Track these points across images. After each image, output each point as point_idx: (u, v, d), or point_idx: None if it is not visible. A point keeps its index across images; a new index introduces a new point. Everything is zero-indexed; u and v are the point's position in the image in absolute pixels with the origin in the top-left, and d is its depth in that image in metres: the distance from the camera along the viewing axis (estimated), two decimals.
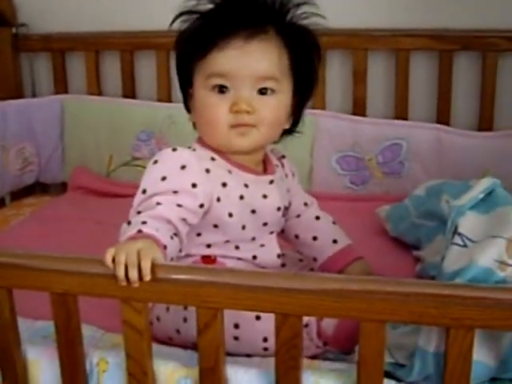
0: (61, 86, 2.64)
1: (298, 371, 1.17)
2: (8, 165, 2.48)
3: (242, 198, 1.46)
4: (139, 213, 1.33)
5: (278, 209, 1.54)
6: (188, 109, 1.54)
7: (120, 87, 2.60)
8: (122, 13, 2.55)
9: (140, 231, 1.26)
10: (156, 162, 1.42)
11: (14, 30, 2.59)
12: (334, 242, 1.65)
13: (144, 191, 1.39)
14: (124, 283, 1.15)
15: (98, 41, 2.58)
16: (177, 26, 1.47)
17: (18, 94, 2.64)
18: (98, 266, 1.19)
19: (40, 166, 2.60)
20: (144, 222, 1.28)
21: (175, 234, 1.32)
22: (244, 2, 1.45)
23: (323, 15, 1.46)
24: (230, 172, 1.46)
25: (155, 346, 1.29)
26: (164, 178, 1.38)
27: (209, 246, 1.47)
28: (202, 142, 1.50)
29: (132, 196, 2.34)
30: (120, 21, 2.55)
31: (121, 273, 1.15)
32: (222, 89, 1.42)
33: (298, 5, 1.47)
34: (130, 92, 2.59)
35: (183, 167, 1.40)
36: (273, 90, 1.43)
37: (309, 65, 1.50)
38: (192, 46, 1.45)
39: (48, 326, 1.40)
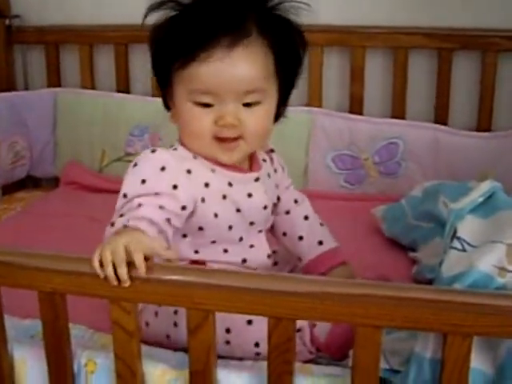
0: (54, 79, 2.62)
1: (290, 375, 1.15)
2: None
3: (224, 197, 1.43)
4: (121, 216, 1.29)
5: (265, 207, 1.50)
6: (167, 106, 1.49)
7: (114, 81, 2.58)
8: (116, 6, 2.53)
9: (125, 226, 1.23)
10: (135, 164, 1.38)
11: (7, 22, 2.57)
12: (320, 243, 1.63)
13: (125, 195, 1.35)
14: (115, 283, 1.12)
15: (93, 34, 2.56)
16: (151, 19, 1.40)
17: (11, 87, 2.61)
18: (86, 265, 1.16)
19: (32, 160, 2.58)
20: (127, 221, 1.25)
21: (160, 233, 1.28)
22: None
23: (309, 4, 1.41)
24: (213, 171, 1.43)
25: (144, 348, 1.28)
26: (144, 181, 1.34)
27: (196, 251, 1.44)
28: (182, 141, 1.46)
29: None
30: (115, 14, 2.52)
31: (110, 273, 1.12)
32: (206, 103, 1.37)
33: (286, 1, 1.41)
34: (124, 86, 2.57)
35: (163, 168, 1.36)
36: (258, 102, 1.39)
37: (295, 62, 1.45)
38: (170, 52, 1.39)
39: (35, 325, 1.38)
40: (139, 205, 1.30)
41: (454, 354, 1.07)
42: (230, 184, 1.44)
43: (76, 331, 1.37)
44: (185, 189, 1.36)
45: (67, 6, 2.59)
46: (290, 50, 1.43)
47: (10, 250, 1.25)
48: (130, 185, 1.36)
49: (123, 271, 1.11)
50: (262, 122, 1.41)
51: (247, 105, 1.38)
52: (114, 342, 1.20)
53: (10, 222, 2.22)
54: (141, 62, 2.55)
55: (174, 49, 1.37)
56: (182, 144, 1.45)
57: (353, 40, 2.35)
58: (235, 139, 1.39)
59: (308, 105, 2.36)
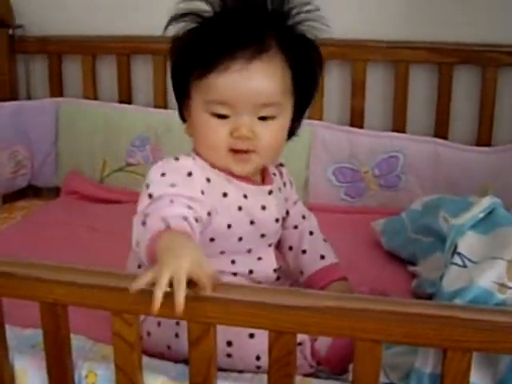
0: (56, 89, 2.62)
1: None
2: (0, 167, 2.46)
3: (240, 208, 1.44)
4: (147, 215, 1.26)
5: (277, 220, 1.52)
6: (183, 117, 1.51)
7: (116, 92, 2.59)
8: (119, 17, 2.54)
9: (168, 227, 1.19)
10: (164, 174, 1.36)
11: (10, 32, 2.57)
12: (322, 257, 1.63)
13: (150, 195, 1.32)
14: (157, 305, 1.05)
15: (95, 44, 2.57)
16: (172, 30, 1.43)
17: (13, 96, 2.62)
18: (89, 276, 1.17)
19: (33, 170, 2.58)
20: (164, 219, 1.21)
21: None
22: (244, 11, 1.40)
23: (326, 22, 1.42)
24: (229, 182, 1.44)
25: (145, 359, 1.27)
26: (173, 185, 1.33)
27: None
28: (197, 152, 1.47)
29: (125, 202, 2.36)
30: (117, 25, 2.53)
31: (159, 294, 1.05)
32: (222, 115, 1.38)
33: (299, 13, 1.42)
34: (125, 97, 2.57)
35: (189, 174, 1.37)
36: (273, 117, 1.40)
37: (311, 79, 1.47)
38: (189, 62, 1.41)
39: (36, 335, 1.38)
40: (171, 201, 1.28)
41: (453, 370, 1.07)
42: (245, 196, 1.45)
43: (76, 342, 1.36)
44: (207, 196, 1.37)
45: (70, 17, 2.59)
46: (307, 67, 1.44)
47: (12, 261, 1.25)
48: (157, 188, 1.33)
49: (182, 296, 1.05)
50: (275, 137, 1.42)
51: (262, 118, 1.39)
52: (115, 353, 1.20)
53: (11, 231, 2.22)
54: (143, 73, 2.56)
55: (193, 59, 1.39)
56: (198, 154, 1.45)
57: (354, 53, 2.36)
58: (248, 152, 1.40)
59: (309, 118, 2.36)
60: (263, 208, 1.48)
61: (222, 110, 1.38)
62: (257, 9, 1.40)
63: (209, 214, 1.37)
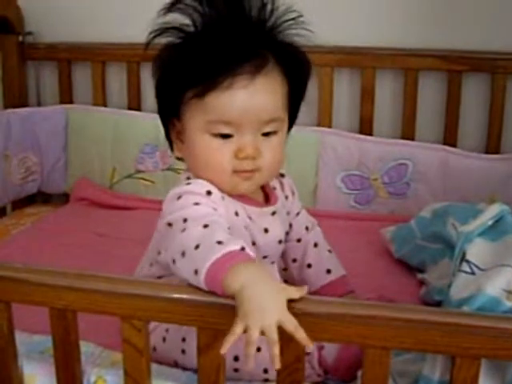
0: (66, 95, 2.63)
1: None
2: (10, 174, 2.47)
3: (246, 228, 1.41)
4: (183, 231, 1.20)
5: (280, 242, 1.49)
6: (169, 139, 1.44)
7: (125, 99, 2.60)
8: (129, 24, 2.54)
9: (242, 252, 1.14)
10: (179, 197, 1.30)
11: (20, 38, 2.58)
12: (328, 271, 1.61)
13: (185, 220, 1.23)
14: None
15: (105, 51, 2.57)
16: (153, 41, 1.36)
17: (23, 103, 2.63)
18: (98, 282, 1.17)
19: (42, 176, 2.59)
20: (220, 242, 1.14)
21: None
22: (231, 24, 1.32)
23: (310, 29, 1.35)
24: (235, 201, 1.40)
25: (154, 366, 1.27)
26: (197, 204, 1.27)
27: None
28: (196, 175, 1.40)
29: (134, 209, 2.37)
30: (127, 32, 2.53)
31: (252, 352, 1.03)
32: (225, 134, 1.32)
33: (285, 21, 1.36)
34: (135, 104, 2.58)
35: (209, 193, 1.32)
36: (275, 132, 1.36)
37: (304, 89, 1.43)
38: (183, 80, 1.33)
39: (45, 341, 1.38)
40: (212, 221, 1.21)
41: (461, 377, 1.07)
42: (250, 218, 1.42)
43: (85, 348, 1.36)
44: (225, 214, 1.33)
45: (80, 24, 2.60)
46: (302, 78, 1.41)
47: (22, 267, 1.25)
48: (180, 211, 1.26)
49: (277, 352, 1.02)
50: (278, 153, 1.38)
51: (265, 134, 1.34)
52: (124, 359, 1.20)
53: (20, 238, 2.22)
54: (152, 80, 2.57)
55: (187, 77, 1.32)
56: (198, 178, 1.37)
57: (363, 61, 2.36)
58: (251, 171, 1.35)
59: (318, 125, 2.37)
60: (266, 231, 1.44)
61: (226, 130, 1.31)
62: (243, 21, 1.34)
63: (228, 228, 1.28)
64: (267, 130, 1.34)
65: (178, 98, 1.35)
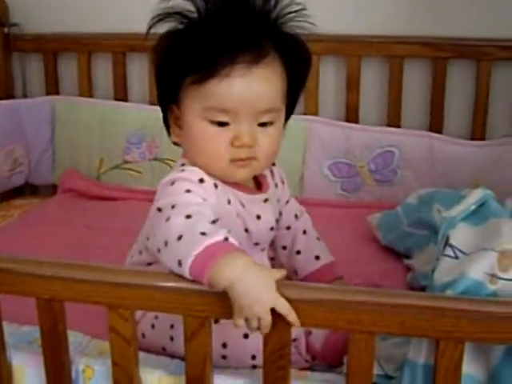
0: (52, 87, 2.63)
1: (286, 381, 1.16)
2: None
3: (238, 215, 1.41)
4: (167, 220, 1.20)
5: (271, 228, 1.50)
6: (167, 124, 1.44)
7: (112, 90, 2.59)
8: (115, 15, 2.54)
9: (225, 242, 1.15)
10: (172, 183, 1.31)
11: (5, 30, 2.58)
12: (317, 258, 1.62)
13: (174, 206, 1.24)
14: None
15: (91, 42, 2.57)
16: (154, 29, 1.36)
17: (9, 95, 2.62)
18: (85, 272, 1.17)
19: (30, 168, 2.59)
20: (203, 233, 1.15)
21: None
22: (234, 13, 1.33)
23: (312, 22, 1.37)
24: (227, 189, 1.40)
25: (142, 355, 1.28)
26: (189, 191, 1.29)
27: None
28: (192, 162, 1.40)
29: (122, 199, 2.37)
30: (113, 23, 2.54)
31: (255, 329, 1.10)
32: (222, 122, 1.33)
33: (288, 13, 1.37)
34: (121, 94, 2.58)
35: (201, 180, 1.33)
36: (272, 122, 1.36)
37: (304, 80, 1.44)
38: (183, 66, 1.33)
39: (33, 332, 1.39)
40: (198, 211, 1.22)
41: (446, 360, 1.08)
42: (242, 204, 1.42)
43: (73, 338, 1.37)
44: (217, 202, 1.34)
45: (65, 15, 2.60)
46: (302, 69, 1.42)
47: (9, 257, 1.25)
48: (174, 198, 1.27)
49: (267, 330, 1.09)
50: (274, 143, 1.38)
51: (262, 124, 1.34)
52: (112, 348, 1.21)
53: (8, 229, 2.22)
54: (138, 71, 2.57)
55: (187, 63, 1.33)
56: (193, 164, 1.39)
57: (349, 49, 2.36)
58: (247, 159, 1.35)
59: (304, 113, 2.37)
60: (258, 217, 1.45)
61: (223, 118, 1.32)
62: (247, 10, 1.34)
63: (213, 222, 1.26)
64: (264, 120, 1.34)
65: (177, 84, 1.36)
